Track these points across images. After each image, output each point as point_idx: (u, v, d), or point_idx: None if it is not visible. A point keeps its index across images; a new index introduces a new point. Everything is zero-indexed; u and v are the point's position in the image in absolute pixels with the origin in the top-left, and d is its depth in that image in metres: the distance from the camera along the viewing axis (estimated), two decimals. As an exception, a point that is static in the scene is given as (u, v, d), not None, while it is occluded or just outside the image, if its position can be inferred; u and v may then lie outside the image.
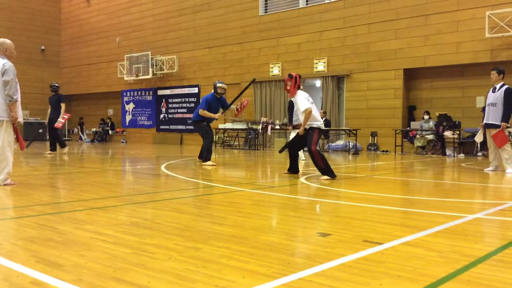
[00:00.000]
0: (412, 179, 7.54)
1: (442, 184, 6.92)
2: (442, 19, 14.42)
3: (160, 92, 22.59)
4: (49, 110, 12.70)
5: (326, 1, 16.95)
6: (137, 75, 22.49)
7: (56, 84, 12.69)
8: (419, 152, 14.63)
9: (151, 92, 22.97)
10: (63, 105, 12.48)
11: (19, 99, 5.73)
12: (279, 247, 2.85)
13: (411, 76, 15.63)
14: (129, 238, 3.04)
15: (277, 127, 15.39)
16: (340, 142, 16.28)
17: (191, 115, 21.16)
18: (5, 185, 5.65)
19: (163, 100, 22.51)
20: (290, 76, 7.19)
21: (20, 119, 5.80)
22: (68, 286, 2.09)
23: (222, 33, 19.81)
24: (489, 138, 8.52)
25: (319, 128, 7.05)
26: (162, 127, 22.62)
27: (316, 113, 7.14)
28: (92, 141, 24.62)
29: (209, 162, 9.46)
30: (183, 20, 21.29)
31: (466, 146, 14.22)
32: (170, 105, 22.16)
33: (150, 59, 21.91)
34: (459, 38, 14.13)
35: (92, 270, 2.33)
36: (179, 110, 21.68)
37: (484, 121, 8.52)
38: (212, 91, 9.97)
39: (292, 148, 7.61)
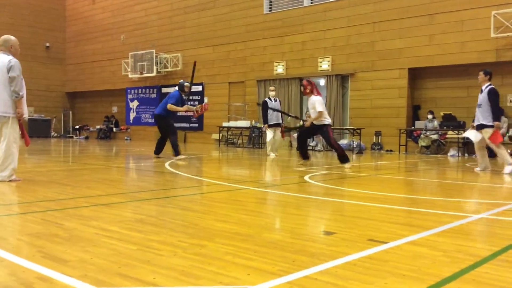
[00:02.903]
0: (416, 178, 7.53)
1: (446, 184, 6.91)
2: (447, 18, 14.37)
3: (164, 90, 22.58)
4: None
5: (331, 0, 16.91)
6: (141, 73, 22.50)
7: None
8: (424, 152, 14.60)
9: (155, 90, 22.98)
10: None
11: (24, 96, 5.75)
12: (284, 245, 2.85)
13: (416, 75, 15.59)
14: (134, 235, 3.05)
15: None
16: (344, 141, 16.26)
17: (195, 113, 21.16)
18: (10, 181, 5.67)
19: (168, 98, 22.50)
20: (309, 81, 8.97)
21: (26, 116, 5.82)
22: (74, 282, 2.10)
23: (226, 32, 19.79)
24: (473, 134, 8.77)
25: (329, 124, 8.84)
26: (166, 125, 22.60)
27: (326, 112, 8.87)
28: (99, 137, 24.65)
29: (180, 156, 10.11)
30: (187, 18, 21.28)
31: (470, 147, 14.17)
32: (174, 103, 22.14)
33: (154, 57, 21.92)
34: (464, 37, 14.07)
35: (97, 266, 2.34)
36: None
37: (475, 123, 8.66)
38: (176, 88, 10.35)
39: (301, 138, 9.24)
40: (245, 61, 19.16)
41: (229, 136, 18.56)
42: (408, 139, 15.11)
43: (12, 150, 5.68)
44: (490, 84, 8.51)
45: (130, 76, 23.24)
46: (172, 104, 9.97)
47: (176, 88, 10.38)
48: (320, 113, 8.65)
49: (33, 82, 24.45)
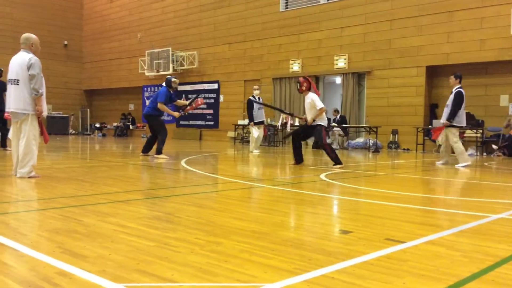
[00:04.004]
0: (433, 177, 7.45)
1: (464, 183, 6.82)
2: (466, 15, 14.18)
3: (180, 88, 22.67)
4: None
5: (348, -3, 16.80)
6: (157, 71, 22.65)
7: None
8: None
9: (171, 88, 23.09)
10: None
11: (44, 93, 5.83)
12: (300, 243, 2.85)
13: (434, 73, 15.41)
14: (151, 232, 3.07)
15: (297, 123, 15.32)
16: (360, 140, 16.17)
17: (211, 111, 21.24)
18: (29, 177, 5.76)
19: (183, 95, 22.61)
20: (305, 78, 8.56)
21: (45, 113, 5.91)
22: (93, 277, 2.13)
23: (242, 29, 19.81)
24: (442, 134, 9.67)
25: (324, 126, 8.53)
26: (182, 122, 22.74)
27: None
28: (116, 135, 24.92)
29: (162, 155, 9.66)
30: (203, 16, 21.35)
31: (489, 146, 13.98)
32: (190, 101, 22.24)
33: (170, 55, 22.04)
34: (483, 35, 13.87)
35: (116, 262, 2.37)
36: (199, 106, 21.71)
37: (441, 121, 9.61)
38: (164, 84, 10.13)
39: (295, 139, 8.79)
40: (261, 59, 19.16)
41: (244, 134, 18.57)
42: (426, 138, 14.96)
43: (32, 147, 5.77)
44: (459, 87, 9.28)
45: (146, 74, 23.42)
46: (161, 102, 9.73)
47: (164, 84, 10.09)
48: (323, 109, 8.36)
49: (51, 80, 24.75)
